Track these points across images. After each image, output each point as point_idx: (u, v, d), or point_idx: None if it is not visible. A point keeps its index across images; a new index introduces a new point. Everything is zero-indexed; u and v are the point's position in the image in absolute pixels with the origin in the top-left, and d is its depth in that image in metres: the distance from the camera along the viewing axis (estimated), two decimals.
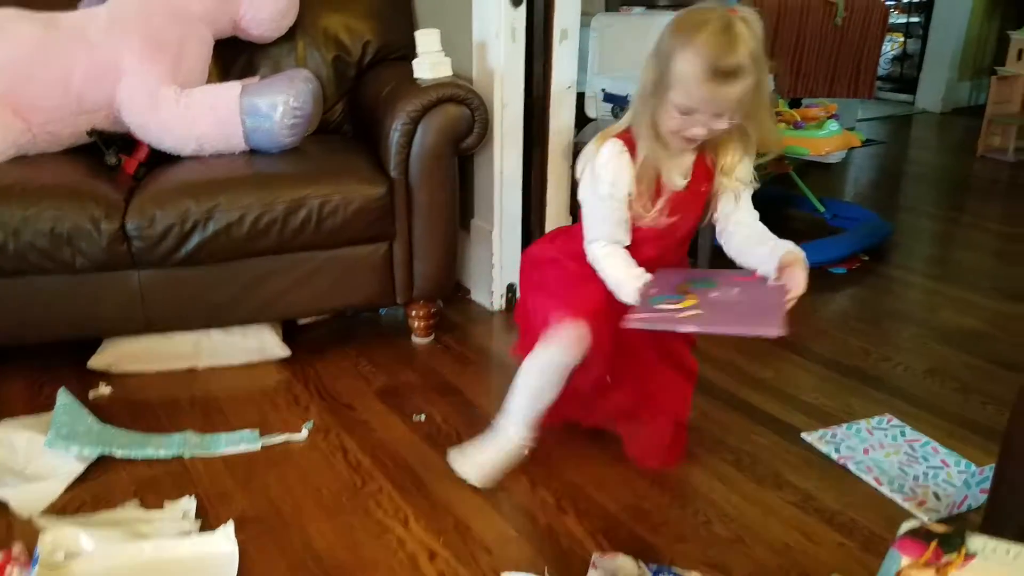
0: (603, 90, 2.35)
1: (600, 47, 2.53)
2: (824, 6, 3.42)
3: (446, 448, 1.68)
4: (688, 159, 1.49)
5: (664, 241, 1.55)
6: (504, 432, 1.60)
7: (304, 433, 1.79)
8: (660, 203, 1.47)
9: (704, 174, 1.51)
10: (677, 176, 1.48)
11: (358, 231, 2.03)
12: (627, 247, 1.51)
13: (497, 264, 2.44)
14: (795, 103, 3.56)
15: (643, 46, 2.60)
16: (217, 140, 2.07)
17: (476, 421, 1.78)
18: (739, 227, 1.55)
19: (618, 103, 2.31)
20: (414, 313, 2.24)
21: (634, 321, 1.30)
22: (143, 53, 2.09)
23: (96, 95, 2.08)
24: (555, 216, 2.49)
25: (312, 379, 2.04)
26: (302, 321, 2.30)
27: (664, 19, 2.59)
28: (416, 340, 2.26)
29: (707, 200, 1.55)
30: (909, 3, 6.22)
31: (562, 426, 1.74)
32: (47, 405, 1.81)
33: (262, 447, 1.74)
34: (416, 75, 2.15)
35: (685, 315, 1.31)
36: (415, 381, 2.05)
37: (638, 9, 2.70)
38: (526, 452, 1.62)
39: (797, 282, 1.39)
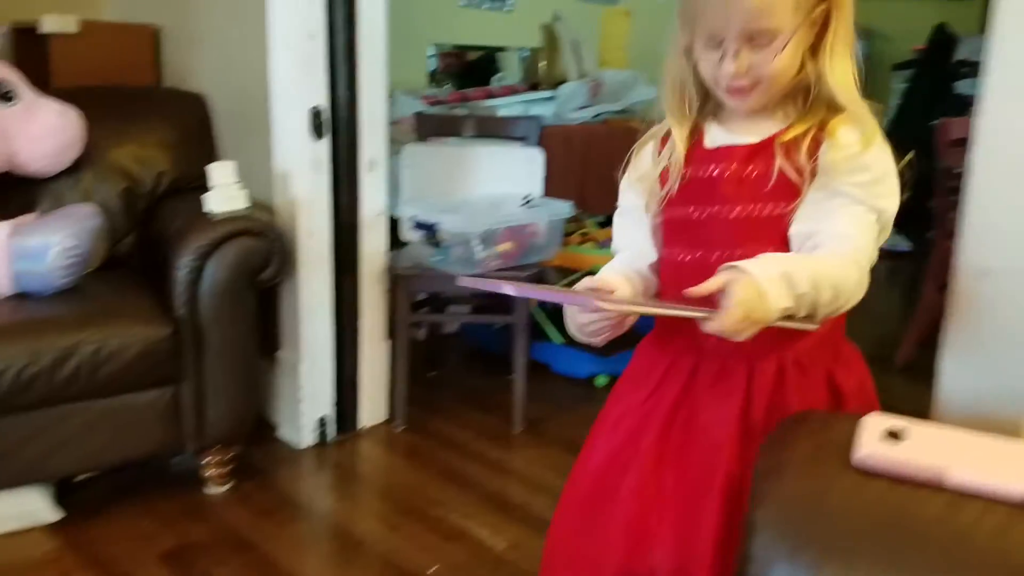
0: (413, 218, 2.33)
1: (411, 176, 2.53)
2: (627, 131, 3.59)
3: None
4: (757, 122, 1.07)
5: (696, 240, 1.10)
6: None
7: None
8: (668, 186, 1.10)
9: (771, 149, 1.04)
10: (721, 134, 1.10)
11: (140, 376, 1.89)
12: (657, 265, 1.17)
13: (306, 397, 2.33)
14: (607, 222, 3.67)
15: (452, 176, 2.70)
16: None
17: None
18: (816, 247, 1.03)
19: (428, 231, 2.29)
20: (208, 460, 2.07)
21: (464, 279, 1.03)
22: None
23: None
24: (369, 343, 2.42)
25: (85, 546, 1.83)
26: (79, 476, 2.09)
27: (473, 150, 2.74)
28: (210, 490, 2.08)
29: (778, 190, 1.04)
30: None
31: None
32: None
33: None
34: (208, 208, 2.06)
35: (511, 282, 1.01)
36: (206, 539, 1.88)
37: (451, 140, 2.72)
38: None
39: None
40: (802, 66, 1.03)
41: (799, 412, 1.02)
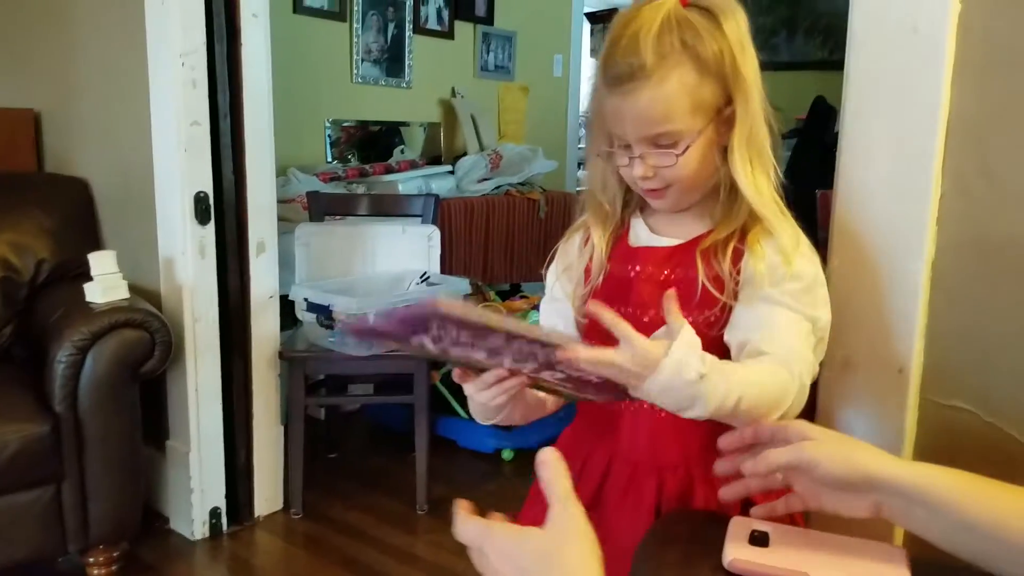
0: (306, 299, 2.30)
1: (306, 256, 2.50)
2: (528, 202, 3.66)
3: None
4: (681, 224, 1.06)
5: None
6: None
7: None
8: (595, 274, 1.08)
9: (692, 255, 1.02)
10: (644, 233, 1.08)
11: (17, 476, 1.79)
12: None
13: (197, 488, 2.25)
14: (512, 291, 3.70)
15: (348, 254, 2.69)
16: None
17: None
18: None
19: (322, 312, 2.27)
20: (92, 560, 1.98)
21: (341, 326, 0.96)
22: None
23: None
24: (262, 428, 2.36)
25: None
26: None
27: (368, 228, 2.73)
28: None
29: (699, 298, 1.00)
30: None
31: None
32: None
33: None
34: (88, 299, 1.99)
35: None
36: None
37: (347, 218, 2.72)
38: None
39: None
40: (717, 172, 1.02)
41: (673, 512, 1.01)
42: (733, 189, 1.01)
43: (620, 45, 0.95)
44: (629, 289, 1.05)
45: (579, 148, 6.08)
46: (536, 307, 2.99)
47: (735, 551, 0.86)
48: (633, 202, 1.11)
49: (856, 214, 0.97)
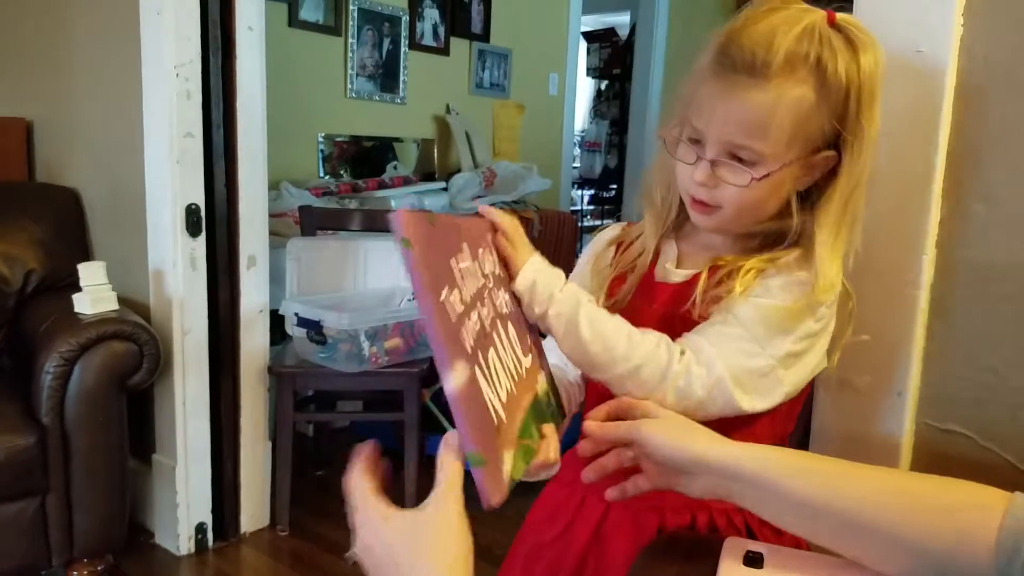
0: (296, 314, 2.28)
1: (297, 271, 2.49)
2: (521, 221, 3.64)
3: None
4: (710, 254, 0.97)
5: None
6: None
7: None
8: (623, 292, 0.99)
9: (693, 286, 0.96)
10: (671, 263, 1.00)
11: (1, 488, 1.79)
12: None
13: (183, 503, 2.22)
14: None
15: (340, 270, 2.67)
16: None
17: None
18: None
19: (312, 328, 2.24)
20: (76, 573, 1.97)
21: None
22: None
23: None
24: (250, 444, 2.33)
25: None
26: None
27: (360, 243, 2.71)
28: None
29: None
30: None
31: None
32: None
33: None
34: (77, 310, 1.97)
35: None
36: None
37: (339, 233, 2.70)
38: None
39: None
40: (783, 213, 0.91)
41: (665, 535, 0.99)
42: (783, 236, 0.91)
43: (752, 30, 0.83)
44: (639, 325, 0.95)
45: (574, 167, 6.11)
46: None
47: (729, 571, 0.84)
48: (669, 221, 1.01)
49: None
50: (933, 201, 1.11)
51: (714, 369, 0.87)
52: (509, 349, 0.77)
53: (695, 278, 0.94)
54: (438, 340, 0.62)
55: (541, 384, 0.85)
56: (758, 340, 0.88)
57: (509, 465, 0.67)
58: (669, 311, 0.95)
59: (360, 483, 0.67)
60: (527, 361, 0.80)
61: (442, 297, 0.64)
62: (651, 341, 0.88)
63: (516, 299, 0.85)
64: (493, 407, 0.67)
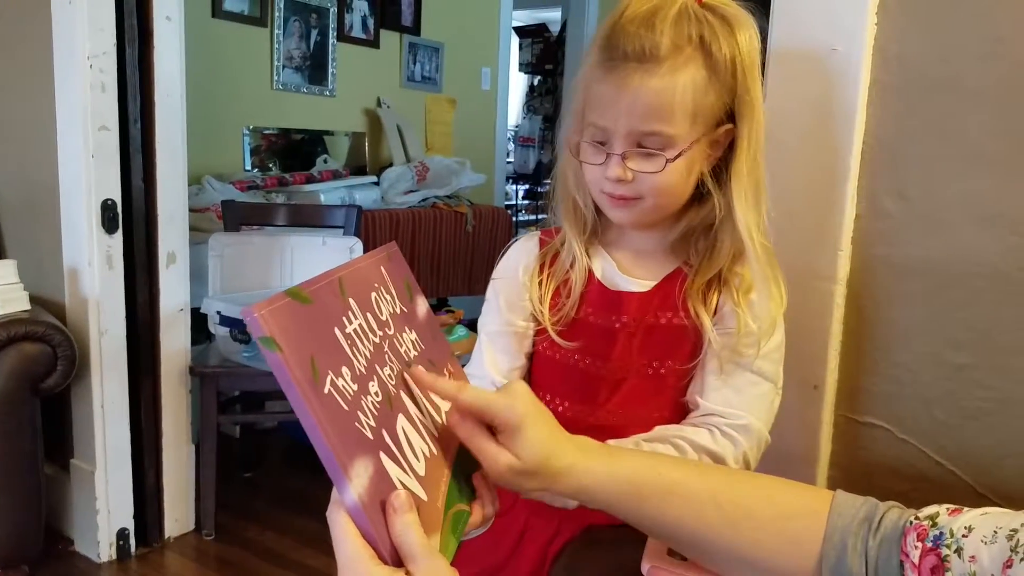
0: (218, 313, 2.22)
1: (220, 268, 2.42)
2: (455, 216, 3.63)
3: None
4: (652, 262, 0.98)
5: (579, 390, 0.98)
6: None
7: None
8: (569, 304, 0.97)
9: (673, 299, 0.95)
10: (617, 273, 0.98)
11: None
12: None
13: (103, 508, 2.15)
14: (439, 305, 3.67)
15: (265, 266, 2.61)
16: None
17: None
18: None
19: (235, 327, 2.19)
20: None
21: None
22: None
23: None
24: (172, 446, 2.27)
25: None
26: None
27: (286, 239, 2.66)
28: None
29: (679, 345, 0.95)
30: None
31: None
32: None
33: None
34: None
35: None
36: None
37: (265, 228, 2.64)
38: None
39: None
40: (696, 196, 0.93)
41: (586, 531, 0.99)
42: (711, 226, 0.93)
43: (632, 20, 0.84)
44: (613, 342, 0.96)
45: (508, 162, 6.10)
46: (462, 321, 2.98)
47: (653, 560, 0.85)
48: (589, 226, 1.00)
49: (773, 232, 0.97)
50: (848, 198, 1.12)
51: (761, 436, 0.93)
52: (423, 403, 0.71)
53: (663, 284, 0.95)
54: (326, 451, 0.55)
55: None
56: (776, 383, 0.95)
57: (439, 547, 0.62)
58: (640, 319, 0.95)
59: (345, 523, 0.58)
60: (447, 404, 0.73)
61: (327, 388, 0.57)
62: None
63: (425, 330, 0.78)
64: (409, 492, 0.60)
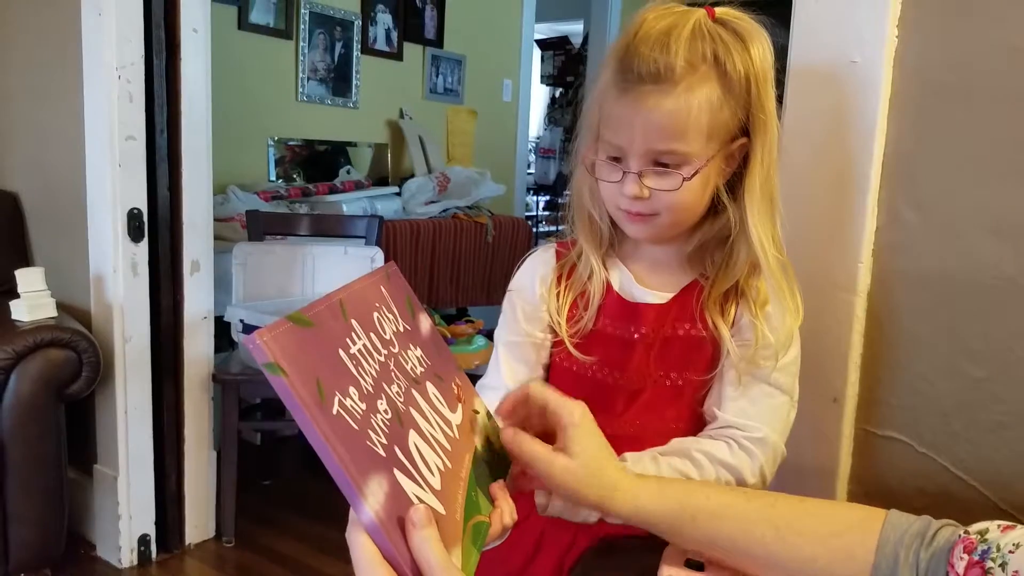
0: (241, 321, 2.24)
1: (243, 276, 2.44)
2: (475, 226, 3.64)
3: None
4: (669, 274, 0.99)
5: (596, 401, 0.88)
6: None
7: None
8: (587, 316, 0.97)
9: (690, 310, 0.96)
10: (634, 284, 0.99)
11: None
12: None
13: (125, 514, 2.17)
14: (459, 315, 3.67)
15: (288, 275, 2.63)
16: None
17: None
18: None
19: None
20: None
21: None
22: None
23: None
24: (195, 452, 2.29)
25: None
26: None
27: (309, 248, 2.68)
28: None
29: (696, 356, 0.96)
30: None
31: None
32: None
33: None
34: (14, 316, 1.93)
35: None
36: None
37: (288, 238, 2.66)
38: None
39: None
40: (712, 209, 0.94)
41: (603, 539, 0.99)
42: (727, 238, 0.94)
43: (646, 41, 0.84)
44: (631, 354, 0.97)
45: (528, 173, 6.11)
46: (481, 331, 2.98)
47: (671, 569, 0.84)
48: (606, 239, 1.01)
49: (794, 244, 0.97)
50: (869, 210, 1.12)
51: (777, 449, 0.94)
52: (434, 417, 0.70)
53: (680, 296, 0.96)
54: (337, 470, 0.54)
55: (480, 435, 0.78)
56: (792, 396, 0.95)
57: (460, 561, 0.61)
58: (658, 330, 0.96)
59: (363, 543, 0.57)
60: (457, 417, 0.73)
61: (335, 409, 0.56)
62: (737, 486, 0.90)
63: (430, 346, 0.78)
64: (427, 507, 0.60)
